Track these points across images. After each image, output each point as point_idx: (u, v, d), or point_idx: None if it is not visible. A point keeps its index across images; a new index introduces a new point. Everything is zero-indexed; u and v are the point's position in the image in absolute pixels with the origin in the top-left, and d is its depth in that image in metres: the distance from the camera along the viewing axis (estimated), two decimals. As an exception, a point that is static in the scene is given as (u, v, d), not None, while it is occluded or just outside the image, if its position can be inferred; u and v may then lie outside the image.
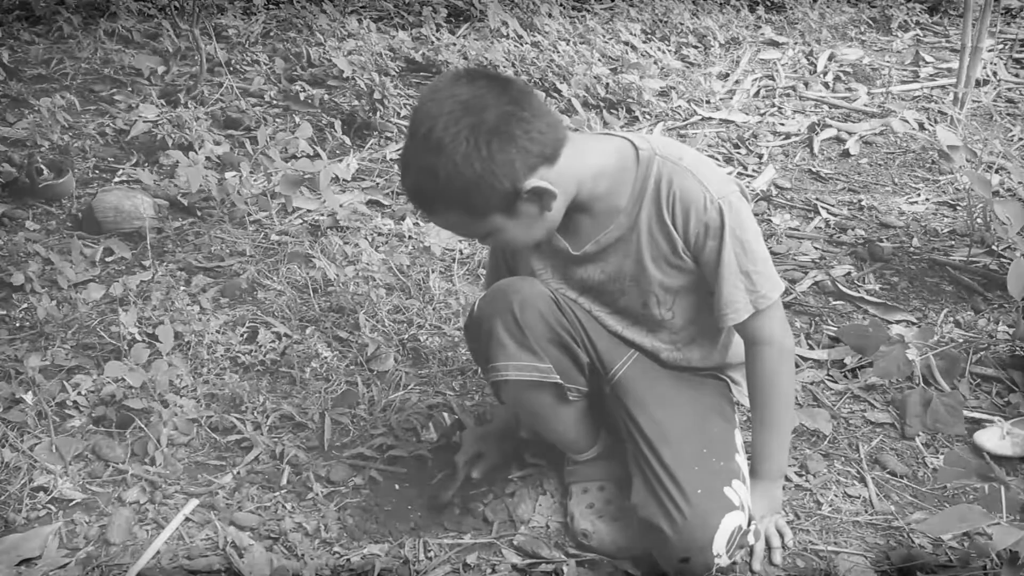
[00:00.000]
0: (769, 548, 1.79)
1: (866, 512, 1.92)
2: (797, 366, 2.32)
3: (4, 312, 2.55)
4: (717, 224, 1.63)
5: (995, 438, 2.02)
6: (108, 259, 2.82)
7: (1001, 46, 4.76)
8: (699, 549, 1.62)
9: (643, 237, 1.67)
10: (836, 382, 2.31)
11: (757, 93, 4.22)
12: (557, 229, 1.67)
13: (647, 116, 3.88)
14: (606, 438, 1.93)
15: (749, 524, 1.71)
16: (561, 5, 5.05)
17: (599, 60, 4.29)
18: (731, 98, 4.14)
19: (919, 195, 3.26)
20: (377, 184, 3.33)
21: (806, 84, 4.28)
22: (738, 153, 3.60)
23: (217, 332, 2.43)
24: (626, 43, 4.57)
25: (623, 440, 1.84)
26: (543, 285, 1.75)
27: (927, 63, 4.60)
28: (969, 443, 2.06)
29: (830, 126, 3.79)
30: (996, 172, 3.25)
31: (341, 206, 3.04)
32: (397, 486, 1.99)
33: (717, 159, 3.53)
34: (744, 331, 1.74)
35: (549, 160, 1.53)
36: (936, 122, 3.76)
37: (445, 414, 2.17)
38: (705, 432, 1.76)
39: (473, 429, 2.08)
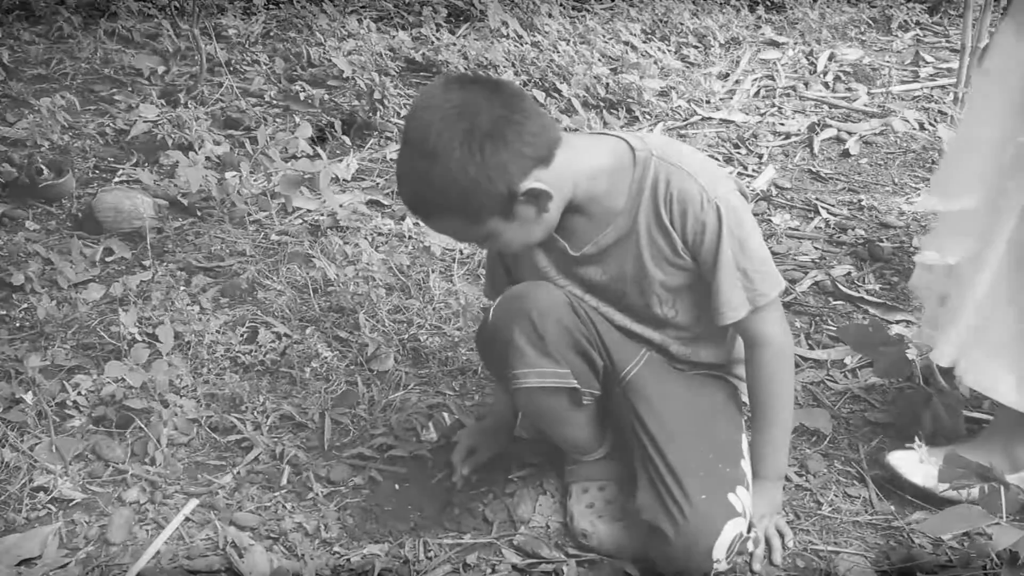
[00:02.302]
0: (769, 548, 1.79)
1: (866, 512, 1.92)
2: (797, 366, 2.32)
3: (4, 312, 2.55)
4: (714, 223, 1.63)
5: (911, 463, 1.93)
6: (108, 259, 2.82)
7: (1001, 46, 4.75)
8: (700, 554, 1.62)
9: (642, 238, 1.67)
10: (836, 382, 2.31)
11: (757, 93, 4.22)
12: (556, 231, 1.67)
13: (647, 116, 3.88)
14: (611, 439, 1.93)
15: (749, 531, 1.72)
16: (561, 5, 5.05)
17: (599, 60, 4.28)
18: (731, 98, 4.14)
19: (919, 195, 3.26)
20: (377, 184, 3.33)
21: (806, 84, 4.28)
22: (738, 153, 3.60)
23: (217, 332, 2.43)
24: (626, 43, 4.57)
25: (628, 441, 1.84)
26: (558, 289, 1.74)
27: (927, 63, 4.60)
28: (884, 461, 1.97)
29: (830, 126, 3.79)
30: (996, 172, 3.24)
31: (341, 206, 3.04)
32: (397, 486, 1.99)
33: (717, 159, 3.53)
34: (743, 330, 1.74)
35: (543, 161, 1.53)
36: (936, 122, 3.76)
37: (445, 414, 2.17)
38: (712, 437, 1.76)
39: (468, 426, 2.08)
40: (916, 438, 1.95)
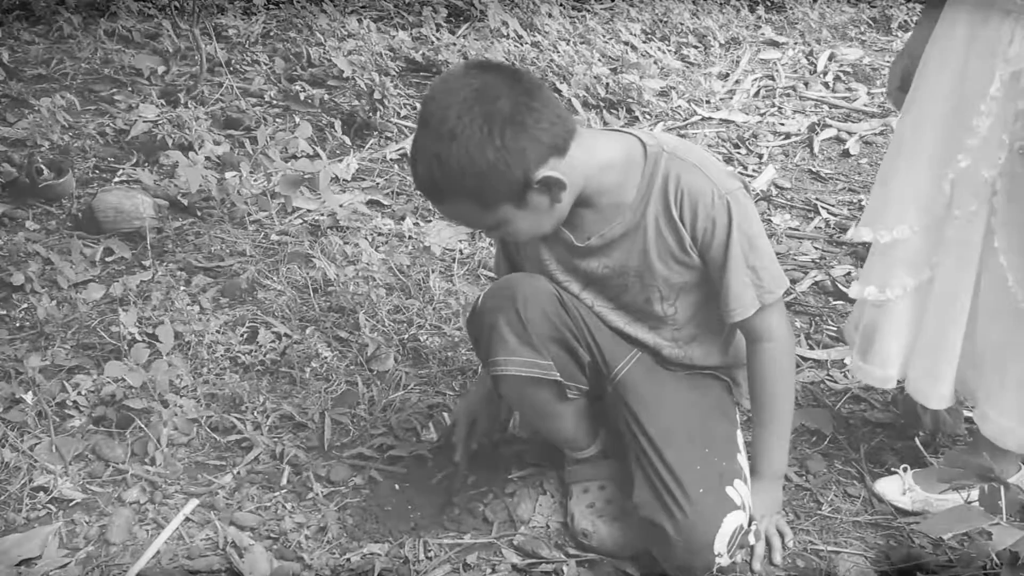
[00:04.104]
0: (769, 548, 1.79)
1: (866, 512, 1.92)
2: (797, 366, 2.32)
3: (4, 312, 2.55)
4: (724, 219, 1.63)
5: (896, 490, 1.93)
6: (108, 259, 2.82)
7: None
8: (700, 548, 1.62)
9: (650, 232, 1.67)
10: (836, 382, 2.31)
11: (757, 93, 4.22)
12: (563, 223, 1.67)
13: (647, 116, 3.88)
14: (605, 436, 1.93)
15: (750, 524, 1.72)
16: (561, 5, 5.05)
17: (599, 60, 4.29)
18: (731, 98, 4.14)
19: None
20: (377, 184, 3.33)
21: (806, 84, 4.28)
22: (738, 153, 3.60)
23: (217, 332, 2.43)
24: (626, 43, 4.57)
25: (623, 439, 1.84)
26: (548, 282, 1.75)
27: (927, 63, 4.59)
28: (871, 488, 1.98)
29: (830, 126, 3.79)
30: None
31: (341, 206, 3.04)
32: (397, 486, 2.00)
33: (717, 159, 3.52)
34: (747, 328, 1.74)
35: (559, 151, 1.53)
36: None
37: (445, 414, 2.17)
38: (707, 432, 1.76)
39: (460, 404, 2.07)
40: (901, 468, 1.96)
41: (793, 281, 2.71)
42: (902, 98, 1.82)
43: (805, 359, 2.39)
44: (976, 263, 1.70)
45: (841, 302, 2.64)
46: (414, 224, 2.99)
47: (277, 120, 3.77)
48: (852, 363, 1.96)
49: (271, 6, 4.98)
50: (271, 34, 4.67)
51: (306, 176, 2.94)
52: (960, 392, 1.88)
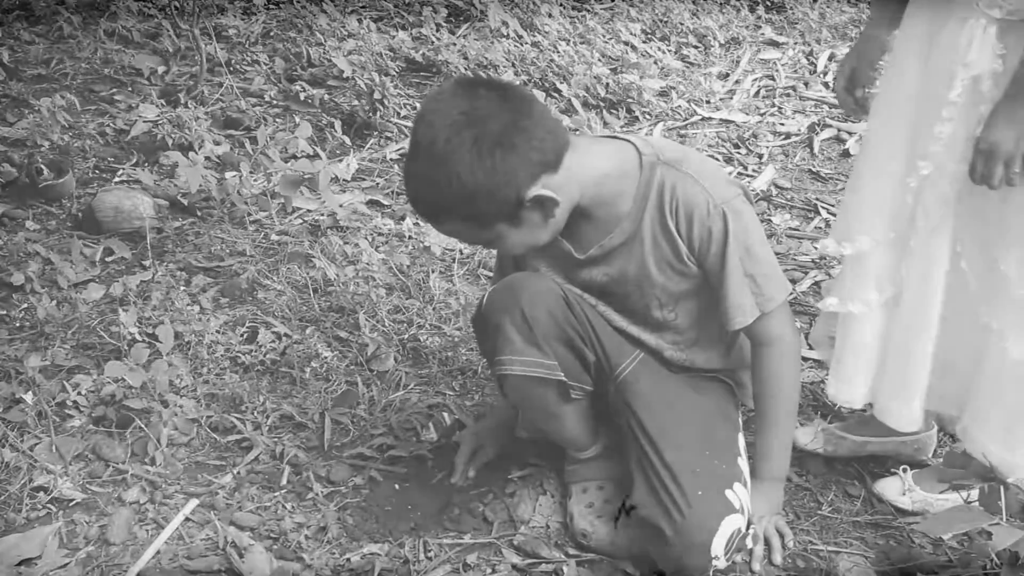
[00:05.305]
0: (769, 548, 1.79)
1: (866, 512, 1.92)
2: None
3: (4, 312, 2.55)
4: (720, 229, 1.63)
5: (896, 490, 1.92)
6: (108, 259, 2.82)
7: (1001, 46, 4.75)
8: (698, 550, 1.63)
9: (647, 242, 1.67)
10: (836, 382, 2.30)
11: (757, 93, 4.22)
12: (561, 233, 1.67)
13: (647, 116, 3.88)
14: (606, 437, 1.93)
15: (748, 528, 1.72)
16: (561, 5, 5.05)
17: (599, 60, 4.28)
18: (731, 98, 4.14)
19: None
20: (377, 184, 3.33)
21: (806, 84, 4.28)
22: (738, 153, 3.60)
23: (217, 332, 2.43)
24: (626, 43, 4.57)
25: (624, 439, 1.84)
26: (553, 281, 1.75)
27: (927, 63, 4.59)
28: (871, 488, 1.98)
29: (830, 126, 3.79)
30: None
31: (341, 206, 3.04)
32: (397, 486, 2.00)
33: (717, 159, 3.53)
34: (750, 332, 1.74)
35: (551, 167, 1.53)
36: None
37: (445, 414, 2.17)
38: (708, 434, 1.76)
39: (470, 427, 2.08)
40: (901, 469, 1.95)
41: (793, 281, 2.71)
42: (850, 100, 1.81)
43: (805, 359, 2.39)
44: (943, 278, 1.66)
45: (841, 302, 2.64)
46: (414, 224, 2.99)
47: (277, 120, 3.77)
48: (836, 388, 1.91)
49: (271, 6, 4.98)
50: (271, 34, 4.67)
51: (306, 176, 2.94)
52: (938, 410, 1.84)
